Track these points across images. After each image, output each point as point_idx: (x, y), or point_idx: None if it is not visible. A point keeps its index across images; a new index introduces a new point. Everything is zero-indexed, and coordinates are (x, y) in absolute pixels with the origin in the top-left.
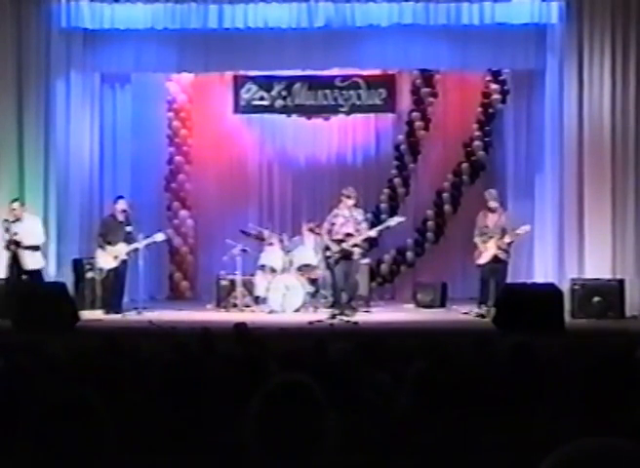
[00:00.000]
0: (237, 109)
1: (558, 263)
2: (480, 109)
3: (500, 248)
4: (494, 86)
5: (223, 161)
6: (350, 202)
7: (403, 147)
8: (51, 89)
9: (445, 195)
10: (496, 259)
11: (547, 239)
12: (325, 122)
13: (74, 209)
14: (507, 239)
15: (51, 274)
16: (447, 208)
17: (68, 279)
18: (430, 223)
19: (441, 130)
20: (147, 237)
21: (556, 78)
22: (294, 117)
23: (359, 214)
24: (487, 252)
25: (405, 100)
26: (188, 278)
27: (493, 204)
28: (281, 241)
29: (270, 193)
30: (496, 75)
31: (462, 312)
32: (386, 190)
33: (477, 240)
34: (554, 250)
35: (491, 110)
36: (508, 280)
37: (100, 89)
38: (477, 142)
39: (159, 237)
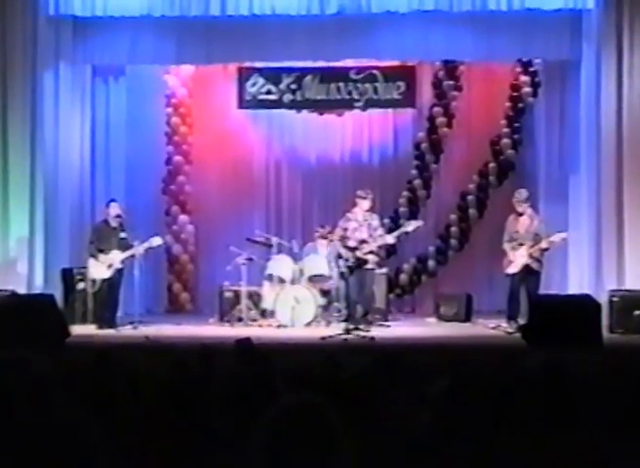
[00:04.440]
0: (242, 104)
1: (595, 273)
2: (509, 104)
3: (532, 256)
4: (523, 78)
5: (227, 161)
6: (366, 204)
7: (424, 146)
8: (37, 83)
9: (470, 198)
10: (527, 269)
11: (583, 246)
12: (338, 118)
13: (63, 213)
14: (541, 246)
15: (38, 285)
16: (472, 212)
17: (57, 290)
18: (454, 229)
19: (465, 126)
20: (145, 243)
21: (593, 69)
22: (304, 113)
23: (374, 219)
24: (517, 260)
25: (426, 94)
26: (188, 289)
27: (522, 206)
28: (290, 248)
29: (278, 196)
30: (526, 66)
31: (489, 327)
32: (405, 193)
33: (506, 246)
34: (591, 258)
35: (520, 105)
36: (541, 291)
37: (91, 82)
38: (505, 140)
39: (156, 241)
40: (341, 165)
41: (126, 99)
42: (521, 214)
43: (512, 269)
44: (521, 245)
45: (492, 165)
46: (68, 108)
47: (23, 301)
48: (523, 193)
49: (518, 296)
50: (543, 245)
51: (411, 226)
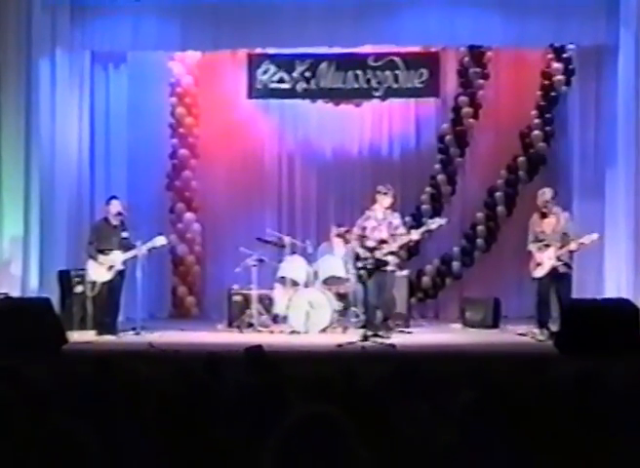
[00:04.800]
0: (252, 94)
1: (633, 275)
2: (540, 93)
3: (559, 259)
4: (556, 65)
5: (236, 155)
6: (387, 201)
7: (448, 138)
8: (33, 70)
9: (498, 194)
10: (555, 272)
11: (620, 247)
12: (356, 108)
13: (60, 211)
14: (570, 248)
15: (33, 288)
16: (500, 209)
17: (53, 294)
18: (480, 228)
19: (493, 117)
20: (148, 242)
21: (631, 55)
22: (319, 103)
23: (395, 217)
24: (544, 263)
25: (450, 83)
26: (195, 293)
27: (547, 207)
28: (304, 249)
29: (291, 192)
30: (559, 52)
31: (519, 333)
32: (428, 189)
33: (532, 247)
34: (629, 260)
35: (553, 94)
36: (574, 295)
37: (90, 70)
38: (536, 132)
39: (160, 241)
40: (359, 159)
41: (127, 88)
42: (544, 215)
43: (540, 272)
44: (548, 246)
45: (521, 159)
46: (66, 98)
47: (17, 305)
48: (547, 193)
49: (548, 301)
50: (572, 246)
51: (434, 225)
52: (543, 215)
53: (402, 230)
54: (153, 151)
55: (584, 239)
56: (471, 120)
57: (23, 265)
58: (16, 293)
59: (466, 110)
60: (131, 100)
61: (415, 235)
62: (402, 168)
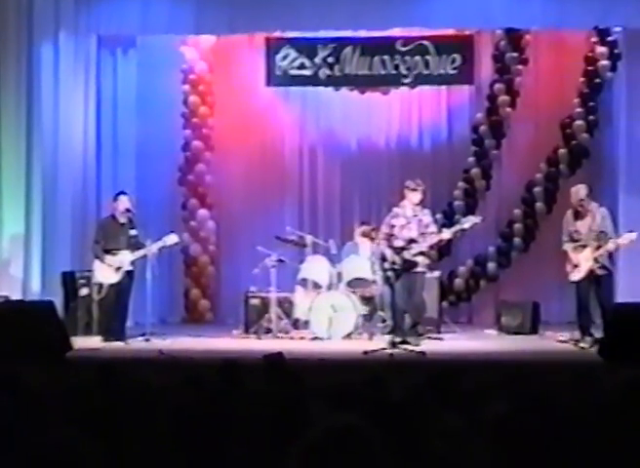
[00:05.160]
0: (271, 81)
1: None
2: (583, 79)
3: (597, 260)
4: (601, 49)
5: (254, 147)
6: (416, 197)
7: (483, 129)
8: (34, 55)
9: (537, 190)
10: (593, 274)
11: None
12: (383, 97)
13: (64, 208)
14: (608, 248)
15: (34, 290)
16: (539, 206)
17: (57, 297)
18: (518, 226)
19: (532, 106)
20: (158, 241)
21: None
22: (343, 90)
23: (425, 215)
24: (582, 264)
25: (485, 69)
26: (209, 296)
27: (582, 206)
28: (327, 249)
29: (313, 187)
30: (603, 35)
31: (559, 340)
32: (461, 184)
33: (567, 247)
34: None
35: (597, 80)
36: (618, 299)
37: (96, 55)
38: (579, 122)
39: (171, 240)
40: (387, 151)
41: (136, 75)
42: (580, 214)
43: (577, 275)
44: (584, 247)
45: (562, 151)
46: (70, 85)
47: (18, 309)
48: (581, 190)
49: (588, 306)
50: (610, 247)
51: (468, 224)
52: (578, 214)
53: (433, 229)
54: (164, 143)
55: (623, 239)
56: (508, 109)
57: (25, 266)
58: (16, 296)
59: (503, 98)
60: (140, 88)
61: (446, 234)
62: (433, 161)
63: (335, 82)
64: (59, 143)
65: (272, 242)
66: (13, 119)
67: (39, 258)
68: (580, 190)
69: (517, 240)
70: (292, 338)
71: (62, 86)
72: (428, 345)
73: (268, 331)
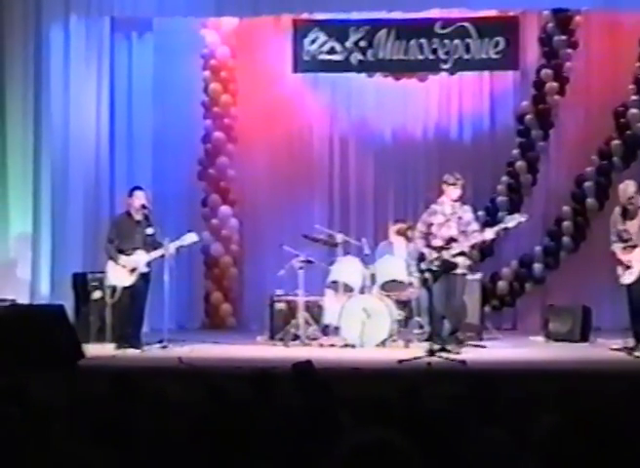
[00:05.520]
0: (298, 67)
1: None
2: (638, 64)
3: None
4: None
5: (280, 138)
6: (456, 193)
7: (529, 118)
8: (43, 39)
9: (587, 185)
10: None
11: None
12: (420, 83)
13: (75, 204)
14: None
15: (43, 294)
16: (590, 202)
17: (67, 300)
18: (567, 224)
19: (582, 93)
20: (176, 240)
21: None
22: (377, 77)
23: (466, 212)
24: (634, 266)
25: (532, 53)
26: (231, 299)
27: (632, 204)
28: (360, 248)
29: (344, 182)
30: None
31: (612, 348)
32: (505, 178)
33: (616, 248)
34: None
35: None
36: None
37: (110, 39)
38: (634, 110)
39: (190, 239)
40: (424, 143)
41: (153, 61)
42: (629, 212)
43: (629, 278)
44: (634, 247)
45: (616, 142)
46: (81, 72)
47: (25, 314)
48: (630, 187)
49: None
50: None
51: (512, 221)
52: (626, 213)
53: (474, 227)
54: (183, 134)
55: None
56: (556, 97)
57: (33, 267)
58: (24, 300)
59: (550, 85)
60: (157, 75)
61: (489, 234)
62: (474, 153)
63: (368, 68)
64: (69, 135)
65: (300, 241)
66: (19, 109)
67: (48, 259)
68: (628, 187)
69: (566, 239)
70: (321, 346)
71: (73, 73)
72: (469, 353)
73: (296, 337)
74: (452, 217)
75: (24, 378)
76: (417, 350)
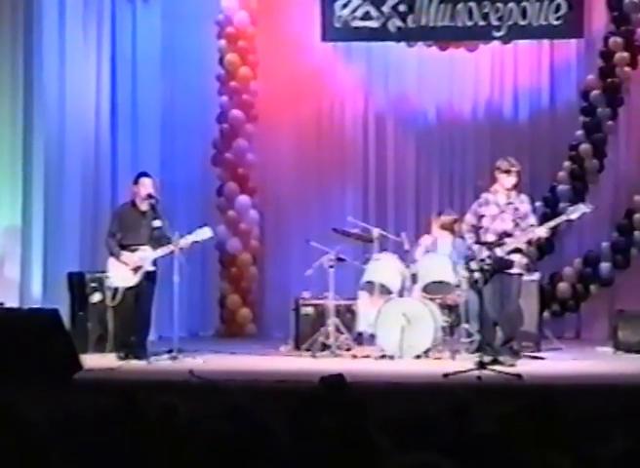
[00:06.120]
0: (328, 34)
1: None
2: None
3: None
4: None
5: (307, 117)
6: (510, 181)
7: (595, 94)
8: (34, 3)
9: None
10: None
11: None
12: (469, 54)
13: (72, 193)
14: None
15: (34, 296)
16: None
17: (62, 304)
18: (638, 216)
19: None
20: (187, 235)
21: None
22: (419, 46)
23: (522, 202)
24: None
25: (598, 18)
26: (250, 303)
27: None
28: (399, 244)
29: (381, 167)
30: None
31: None
32: (567, 163)
33: None
34: None
35: None
36: None
37: (111, 3)
38: None
39: (204, 234)
40: (473, 122)
41: (160, 27)
42: None
43: None
44: None
45: None
46: (79, 41)
47: (14, 319)
48: None
49: None
50: None
51: (576, 213)
52: None
53: (532, 220)
54: (195, 113)
55: None
56: (627, 69)
57: (22, 266)
58: (13, 303)
59: (620, 56)
60: (165, 44)
61: (547, 228)
62: (531, 135)
63: (408, 36)
64: (65, 114)
65: (330, 236)
66: (7, 83)
67: (40, 256)
68: None
69: (638, 234)
70: (354, 357)
71: (69, 42)
72: (525, 366)
73: (325, 347)
74: (507, 209)
75: (12, 395)
76: (465, 362)
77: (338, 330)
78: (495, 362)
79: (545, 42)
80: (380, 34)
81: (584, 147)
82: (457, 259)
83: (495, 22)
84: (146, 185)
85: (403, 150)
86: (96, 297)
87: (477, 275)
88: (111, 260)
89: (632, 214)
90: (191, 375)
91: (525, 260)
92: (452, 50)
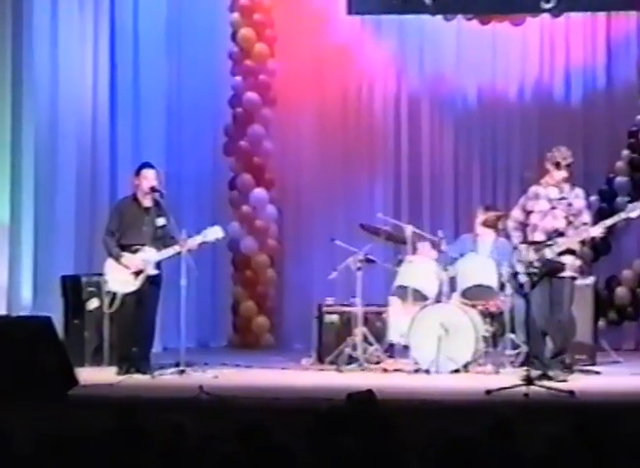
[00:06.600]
0: (355, 6)
1: None
2: None
3: None
4: None
5: (331, 100)
6: (561, 173)
7: None
8: None
9: None
10: None
11: None
12: (514, 28)
13: (65, 187)
14: None
15: (24, 302)
16: None
17: (55, 311)
18: None
19: None
20: (195, 235)
21: None
22: (457, 19)
23: (576, 197)
24: None
25: None
26: (266, 310)
27: None
28: (435, 244)
29: (415, 156)
30: None
31: None
32: (626, 152)
33: None
34: None
35: None
36: None
37: None
38: None
39: (214, 233)
40: (520, 105)
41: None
42: None
43: None
44: None
45: None
46: (73, 14)
47: (1, 328)
48: None
49: None
50: None
51: (636, 211)
52: None
53: (586, 217)
54: (205, 95)
55: None
56: None
57: (10, 268)
58: (0, 310)
59: None
60: (171, 17)
61: (602, 227)
62: (585, 120)
63: (445, 8)
64: (58, 97)
65: (357, 234)
66: None
67: (30, 258)
68: None
69: None
70: (385, 371)
71: (62, 16)
72: (578, 381)
73: (352, 360)
74: (559, 204)
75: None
76: (509, 377)
77: (366, 340)
78: (544, 377)
79: (601, 14)
80: (414, 6)
81: None
82: (501, 260)
83: None
84: (150, 177)
85: (440, 137)
86: (93, 304)
87: (524, 279)
88: (109, 262)
89: None
90: (201, 392)
91: (578, 263)
92: (495, 23)
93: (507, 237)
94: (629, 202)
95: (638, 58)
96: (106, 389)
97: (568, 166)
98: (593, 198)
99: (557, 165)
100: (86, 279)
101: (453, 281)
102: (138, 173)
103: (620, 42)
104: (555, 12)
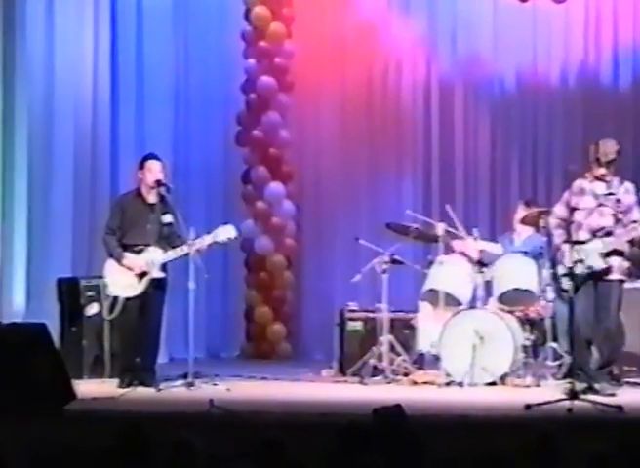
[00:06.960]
0: None
1: None
2: None
3: None
4: None
5: (354, 85)
6: (600, 171)
7: None
8: None
9: None
10: None
11: None
12: (557, 5)
13: (62, 181)
14: None
15: (16, 308)
16: None
17: (51, 317)
18: None
19: None
20: (205, 235)
21: None
22: None
23: (628, 193)
24: None
25: None
26: (283, 317)
27: None
28: (469, 242)
29: (447, 147)
30: None
31: None
32: None
33: None
34: None
35: None
36: None
37: None
38: None
39: (226, 232)
40: (562, 90)
41: None
42: None
43: None
44: None
45: None
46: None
47: None
48: None
49: None
50: None
51: None
52: None
53: (636, 214)
54: (215, 80)
55: None
56: None
57: (1, 270)
58: None
59: None
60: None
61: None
62: (635, 105)
63: None
64: (54, 81)
65: (383, 233)
66: None
67: (23, 259)
68: None
69: None
70: (414, 383)
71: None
72: (627, 395)
73: (377, 371)
74: (606, 200)
75: None
76: (551, 391)
77: (393, 350)
78: (589, 390)
79: None
80: None
81: None
82: (542, 262)
83: None
84: (155, 170)
85: (474, 126)
86: (92, 309)
87: (567, 282)
88: (110, 263)
89: None
90: (211, 406)
91: (627, 264)
92: (535, 0)
93: (549, 235)
94: None
95: None
96: (107, 403)
97: (609, 162)
98: None
99: (597, 161)
100: (84, 282)
101: (489, 284)
102: (141, 165)
103: None
104: None
